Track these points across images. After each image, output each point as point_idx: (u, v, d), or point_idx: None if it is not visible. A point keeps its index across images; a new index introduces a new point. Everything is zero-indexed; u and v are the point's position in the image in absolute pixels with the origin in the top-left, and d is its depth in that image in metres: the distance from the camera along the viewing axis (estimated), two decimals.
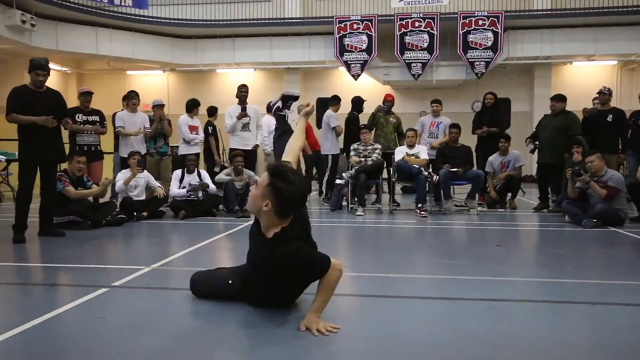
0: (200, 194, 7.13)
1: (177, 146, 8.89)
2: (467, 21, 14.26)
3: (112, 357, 2.21)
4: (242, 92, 8.01)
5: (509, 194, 8.20)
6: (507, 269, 4.00)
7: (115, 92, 12.87)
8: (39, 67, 5.13)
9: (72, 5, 13.54)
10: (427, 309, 2.97)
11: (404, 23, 14.47)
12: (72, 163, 6.16)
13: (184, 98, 12.18)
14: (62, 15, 13.54)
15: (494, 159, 8.19)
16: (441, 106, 8.69)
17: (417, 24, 14.43)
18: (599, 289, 3.45)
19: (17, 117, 5.06)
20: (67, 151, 6.89)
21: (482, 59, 14.26)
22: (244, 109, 7.87)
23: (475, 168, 8.03)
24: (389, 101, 8.59)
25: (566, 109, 7.79)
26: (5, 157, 9.56)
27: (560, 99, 7.75)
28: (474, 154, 8.21)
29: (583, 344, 2.43)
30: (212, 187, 7.27)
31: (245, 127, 7.98)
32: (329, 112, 8.63)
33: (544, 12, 14.41)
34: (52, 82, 15.99)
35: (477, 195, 8.04)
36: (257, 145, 8.16)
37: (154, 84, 16.82)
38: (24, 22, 12.39)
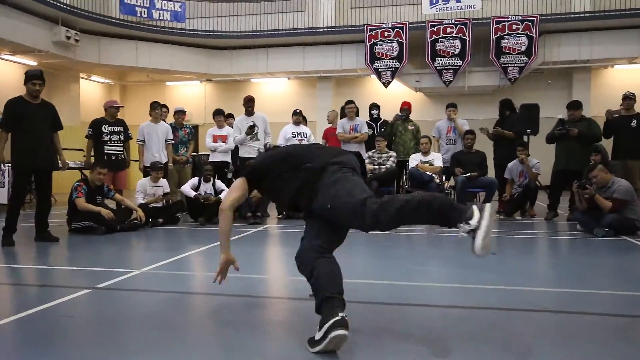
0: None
1: (200, 155, 9.20)
2: (500, 26, 14.02)
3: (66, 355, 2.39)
4: (249, 108, 8.06)
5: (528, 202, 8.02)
6: (489, 277, 3.95)
7: None
8: (35, 77, 5.47)
9: (113, 20, 14.28)
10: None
11: (435, 30, 14.39)
12: (94, 173, 6.45)
13: (220, 107, 12.56)
14: (104, 30, 14.29)
15: (513, 166, 8.02)
16: (457, 110, 8.57)
17: (448, 30, 14.31)
18: (567, 297, 3.39)
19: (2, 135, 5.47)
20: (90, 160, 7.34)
21: (516, 64, 13.96)
22: (251, 127, 7.84)
23: (492, 175, 7.90)
24: (405, 109, 8.58)
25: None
26: None
27: (577, 106, 7.53)
28: (491, 162, 8.08)
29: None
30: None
31: (254, 136, 8.05)
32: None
33: (583, 15, 13.95)
34: (97, 93, 16.90)
35: (498, 202, 7.95)
36: None
37: (191, 94, 17.42)
38: (68, 37, 13.17)
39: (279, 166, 2.78)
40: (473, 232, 2.25)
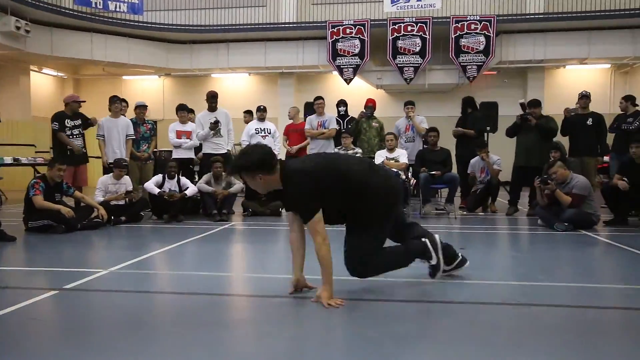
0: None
1: (161, 151, 8.96)
2: (459, 25, 14.29)
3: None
4: (212, 104, 7.97)
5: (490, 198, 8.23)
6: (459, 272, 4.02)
7: None
8: None
9: (66, 11, 13.72)
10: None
11: (396, 27, 14.53)
12: (53, 170, 6.19)
13: (180, 102, 12.33)
14: (56, 21, 13.71)
15: (475, 162, 8.19)
16: (414, 107, 8.70)
17: (409, 28, 14.48)
18: (535, 290, 3.49)
19: None
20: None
21: (474, 63, 14.28)
22: (215, 122, 7.75)
23: (455, 171, 8.07)
24: (370, 107, 8.64)
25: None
26: None
27: (537, 104, 7.77)
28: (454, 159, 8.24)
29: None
30: (192, 189, 7.31)
31: (217, 132, 7.93)
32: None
33: (537, 16, 14.41)
34: (49, 87, 16.24)
35: (460, 198, 8.13)
36: (229, 151, 8.15)
37: (149, 89, 16.98)
38: (18, 28, 12.54)
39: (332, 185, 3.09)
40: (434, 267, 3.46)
